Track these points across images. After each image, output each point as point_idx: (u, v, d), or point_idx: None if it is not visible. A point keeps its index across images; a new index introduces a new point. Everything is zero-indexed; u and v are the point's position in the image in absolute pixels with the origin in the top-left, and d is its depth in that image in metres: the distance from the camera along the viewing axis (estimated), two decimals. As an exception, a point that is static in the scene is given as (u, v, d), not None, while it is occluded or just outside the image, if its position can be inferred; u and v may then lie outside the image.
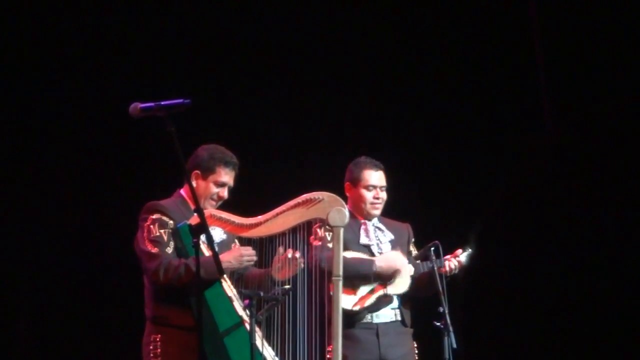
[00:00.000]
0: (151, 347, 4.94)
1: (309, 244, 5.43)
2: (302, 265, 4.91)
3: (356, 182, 5.90)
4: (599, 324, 7.63)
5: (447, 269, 5.75)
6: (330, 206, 4.83)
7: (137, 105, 4.38)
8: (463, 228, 6.62)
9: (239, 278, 5.02)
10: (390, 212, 6.05)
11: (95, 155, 7.38)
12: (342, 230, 4.82)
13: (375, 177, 5.89)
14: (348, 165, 5.99)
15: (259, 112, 7.60)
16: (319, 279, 4.94)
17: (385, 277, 5.72)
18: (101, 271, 7.27)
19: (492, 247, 7.17)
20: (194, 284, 4.67)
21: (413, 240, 6.01)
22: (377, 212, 5.91)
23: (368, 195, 5.88)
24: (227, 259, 4.90)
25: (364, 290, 5.72)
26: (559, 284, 7.69)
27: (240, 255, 4.91)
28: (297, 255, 4.90)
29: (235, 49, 7.66)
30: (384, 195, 5.91)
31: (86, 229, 7.32)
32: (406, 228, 6.03)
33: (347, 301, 5.64)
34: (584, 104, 7.67)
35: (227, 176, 5.12)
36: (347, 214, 4.83)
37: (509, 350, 7.70)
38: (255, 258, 4.94)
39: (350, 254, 5.71)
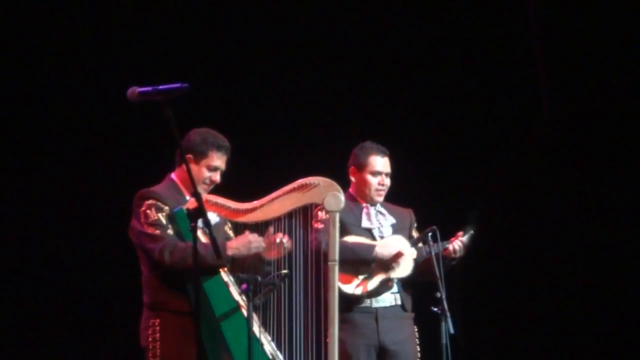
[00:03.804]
0: (150, 332, 4.93)
1: (311, 227, 5.42)
2: (291, 248, 4.89)
3: (362, 167, 5.89)
4: (597, 306, 7.63)
5: (451, 249, 5.72)
6: (326, 191, 4.82)
7: (135, 90, 4.34)
8: (464, 213, 6.61)
9: (233, 262, 5.01)
10: (392, 198, 6.04)
11: (79, 142, 7.35)
12: (337, 215, 4.81)
13: (381, 164, 5.89)
14: (352, 149, 5.99)
15: (256, 95, 7.59)
16: (317, 263, 4.92)
17: (386, 262, 5.70)
18: (95, 259, 7.27)
19: (491, 232, 7.17)
20: (196, 269, 4.67)
21: (415, 225, 6.00)
22: (381, 198, 5.92)
23: (373, 181, 5.87)
24: (235, 245, 4.89)
25: (365, 274, 5.71)
26: (557, 269, 7.69)
27: (249, 242, 4.89)
28: (285, 240, 4.89)
29: (234, 33, 7.64)
30: (388, 181, 5.92)
31: (78, 215, 7.31)
32: (408, 213, 6.02)
33: (348, 285, 5.64)
34: (582, 91, 7.66)
35: (219, 160, 5.09)
36: (343, 198, 4.82)
37: (507, 335, 7.70)
38: (263, 245, 4.92)
39: (351, 239, 5.71)
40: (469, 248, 5.83)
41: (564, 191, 7.72)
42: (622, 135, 7.65)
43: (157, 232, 4.88)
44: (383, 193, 5.91)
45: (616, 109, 7.64)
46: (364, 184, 5.89)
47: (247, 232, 4.97)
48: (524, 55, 7.78)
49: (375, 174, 5.88)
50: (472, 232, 5.83)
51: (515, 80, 7.78)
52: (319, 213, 5.59)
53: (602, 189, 7.66)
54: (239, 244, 4.89)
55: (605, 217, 7.65)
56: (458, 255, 5.77)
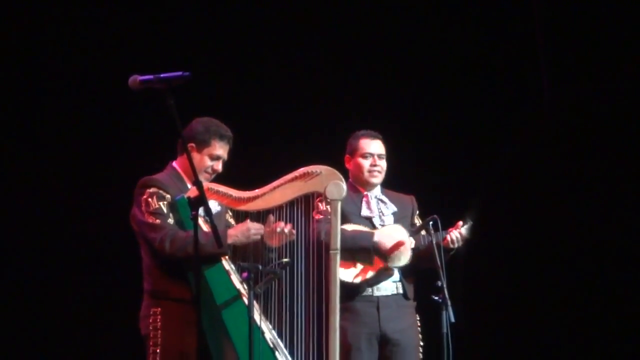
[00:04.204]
0: (151, 321, 4.94)
1: (312, 218, 5.42)
2: (294, 237, 4.90)
3: (354, 152, 5.92)
4: (600, 292, 7.63)
5: (449, 239, 5.72)
6: (327, 179, 4.82)
7: (137, 78, 4.35)
8: (467, 200, 6.61)
9: (235, 249, 5.01)
10: (394, 185, 6.03)
11: (82, 130, 7.34)
12: (339, 204, 4.81)
13: (371, 145, 5.89)
14: (348, 138, 5.99)
15: (258, 84, 7.57)
16: (318, 253, 4.92)
17: (384, 251, 5.70)
18: (95, 247, 7.27)
19: (493, 220, 7.16)
20: (197, 257, 4.67)
21: (417, 212, 5.99)
22: (376, 180, 5.90)
23: (365, 163, 5.88)
24: (235, 233, 4.91)
25: (364, 263, 5.71)
26: (559, 256, 7.68)
27: (248, 230, 4.91)
28: (287, 229, 4.89)
29: (234, 22, 7.62)
30: (382, 163, 5.90)
31: (80, 203, 7.31)
32: (410, 200, 6.02)
33: (347, 274, 5.64)
34: (584, 74, 7.64)
35: (221, 149, 5.11)
36: (345, 187, 4.82)
37: (509, 322, 7.70)
38: (262, 232, 4.94)
39: (350, 227, 5.70)
40: (467, 239, 5.82)
41: (566, 178, 7.70)
42: (624, 122, 7.63)
43: (158, 221, 4.89)
44: (378, 174, 5.90)
45: (618, 95, 7.61)
46: (357, 168, 5.90)
47: (247, 220, 4.98)
48: (525, 41, 7.74)
49: (366, 155, 5.88)
50: (470, 222, 5.82)
51: (516, 67, 7.75)
52: (319, 204, 5.59)
53: (604, 175, 7.64)
54: (238, 232, 4.90)
55: (607, 203, 7.64)
56: (456, 245, 5.76)
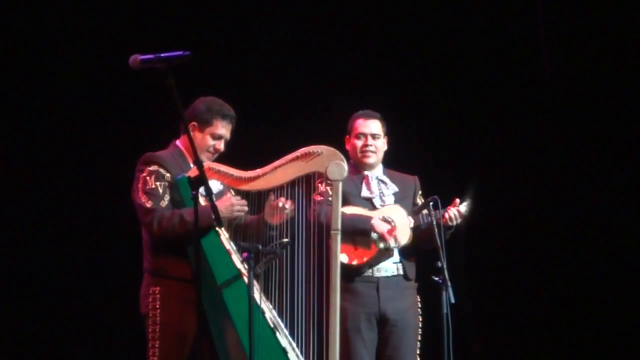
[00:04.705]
0: (150, 300, 4.94)
1: (313, 199, 5.42)
2: (292, 213, 4.89)
3: (350, 132, 5.92)
4: (599, 273, 7.63)
5: (447, 217, 5.70)
6: (328, 160, 4.82)
7: (137, 57, 4.36)
8: (467, 179, 6.61)
9: (236, 229, 5.01)
10: (395, 165, 6.02)
11: (91, 107, 7.33)
12: (340, 184, 4.81)
13: (364, 125, 5.87)
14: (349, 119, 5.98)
15: (260, 64, 7.55)
16: (318, 233, 4.92)
17: (380, 234, 5.68)
18: (97, 224, 7.27)
19: (491, 198, 7.16)
20: (191, 235, 4.68)
21: (420, 192, 5.98)
22: (370, 160, 5.86)
23: (358, 143, 5.87)
24: (218, 208, 4.88)
25: (363, 245, 5.70)
26: (561, 236, 7.68)
27: (231, 205, 4.92)
28: (287, 204, 4.90)
29: (235, 0, 7.60)
30: (377, 143, 5.87)
31: (83, 180, 7.31)
32: (413, 180, 6.00)
33: (347, 257, 5.63)
34: (584, 48, 7.61)
35: (224, 129, 5.11)
36: (346, 167, 4.81)
37: (510, 303, 7.70)
38: (246, 208, 4.95)
39: (349, 210, 5.69)
40: (466, 217, 5.80)
41: (567, 153, 7.69)
42: (625, 92, 7.60)
43: (150, 203, 4.91)
44: (370, 154, 5.87)
45: (619, 66, 7.58)
46: (353, 149, 5.89)
47: (228, 195, 5.00)
48: (524, 17, 7.71)
49: (359, 135, 5.87)
50: (469, 199, 5.80)
51: (516, 42, 7.72)
52: (319, 185, 5.57)
53: (605, 148, 7.62)
54: (222, 207, 4.86)
55: (609, 177, 7.62)
56: (454, 223, 5.74)
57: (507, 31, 7.71)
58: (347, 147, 5.92)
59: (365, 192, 5.85)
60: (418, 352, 5.77)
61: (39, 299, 7.28)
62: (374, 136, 5.86)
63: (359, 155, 5.86)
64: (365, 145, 5.85)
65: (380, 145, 5.89)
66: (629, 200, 7.60)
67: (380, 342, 5.74)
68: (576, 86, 7.69)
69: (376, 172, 5.93)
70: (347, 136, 5.93)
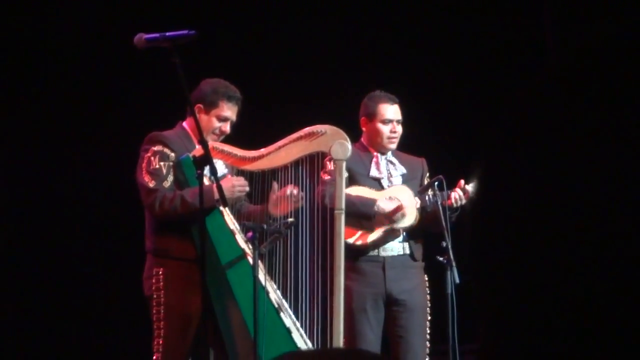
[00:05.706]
0: (154, 281, 4.92)
1: (318, 178, 5.39)
2: (302, 201, 4.87)
3: (372, 116, 5.83)
4: (610, 250, 7.58)
5: (452, 200, 5.68)
6: (332, 139, 4.80)
7: (142, 36, 4.37)
8: (473, 161, 6.55)
9: (237, 214, 4.99)
10: (403, 147, 6.00)
11: (98, 87, 7.33)
12: (344, 164, 4.79)
13: (391, 111, 5.83)
14: (360, 98, 5.93)
15: (264, 43, 7.53)
16: (323, 213, 4.91)
17: (388, 215, 5.67)
18: (100, 204, 7.27)
19: (498, 180, 7.11)
20: (192, 216, 4.66)
21: (428, 174, 5.95)
22: (394, 145, 5.85)
23: (385, 129, 5.81)
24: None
25: (368, 226, 5.68)
26: (567, 216, 7.64)
27: (232, 186, 4.87)
28: (295, 192, 4.87)
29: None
30: (400, 128, 5.86)
31: (87, 160, 7.31)
32: (420, 162, 5.97)
33: (353, 238, 5.62)
34: (590, 26, 7.55)
35: (229, 111, 5.08)
36: (349, 147, 4.80)
37: (518, 283, 7.67)
38: (247, 189, 4.91)
39: (355, 190, 5.66)
40: (472, 198, 5.75)
41: (573, 136, 7.64)
42: (631, 75, 7.54)
43: (152, 183, 4.88)
44: (395, 140, 5.85)
45: (624, 49, 7.52)
46: (376, 133, 5.83)
47: (228, 176, 4.97)
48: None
49: (386, 122, 5.83)
50: (475, 180, 5.75)
51: (521, 24, 7.68)
52: (327, 163, 5.54)
53: (611, 132, 7.58)
54: (223, 188, 4.86)
55: (615, 158, 7.58)
56: (459, 204, 5.71)
57: (512, 15, 7.67)
58: (365, 128, 5.87)
59: (374, 172, 5.81)
60: (428, 331, 5.74)
61: (43, 286, 7.29)
62: (398, 122, 5.85)
63: (385, 141, 5.81)
64: (394, 132, 5.82)
65: (401, 130, 5.89)
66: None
67: (388, 322, 5.71)
68: (581, 68, 7.63)
69: (386, 153, 5.91)
70: (365, 118, 5.86)
